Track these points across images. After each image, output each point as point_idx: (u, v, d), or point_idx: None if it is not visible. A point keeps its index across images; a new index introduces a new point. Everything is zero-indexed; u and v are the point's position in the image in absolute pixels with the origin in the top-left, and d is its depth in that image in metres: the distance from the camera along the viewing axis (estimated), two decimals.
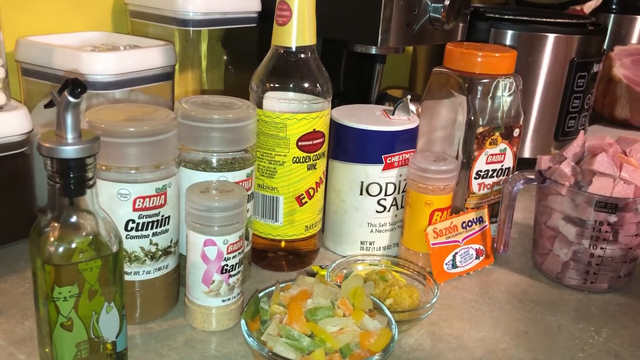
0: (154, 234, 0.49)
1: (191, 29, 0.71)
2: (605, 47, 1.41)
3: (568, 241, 0.59)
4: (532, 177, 0.60)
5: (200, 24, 0.71)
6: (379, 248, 0.64)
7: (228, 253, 0.48)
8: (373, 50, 0.77)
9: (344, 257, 0.61)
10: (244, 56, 0.79)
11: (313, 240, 0.62)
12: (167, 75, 0.69)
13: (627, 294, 0.61)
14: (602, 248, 0.57)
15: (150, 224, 0.48)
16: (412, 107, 0.75)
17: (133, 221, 0.48)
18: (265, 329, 0.42)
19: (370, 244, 0.64)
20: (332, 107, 0.67)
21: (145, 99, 0.69)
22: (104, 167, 0.46)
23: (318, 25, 0.72)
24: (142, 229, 0.48)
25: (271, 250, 0.61)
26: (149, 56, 0.66)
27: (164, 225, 0.49)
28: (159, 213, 0.48)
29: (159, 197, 0.48)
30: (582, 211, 0.57)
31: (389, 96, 0.81)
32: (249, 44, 0.78)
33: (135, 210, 0.47)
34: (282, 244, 0.60)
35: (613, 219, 0.56)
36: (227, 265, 0.49)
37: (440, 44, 0.74)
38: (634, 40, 1.41)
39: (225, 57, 0.79)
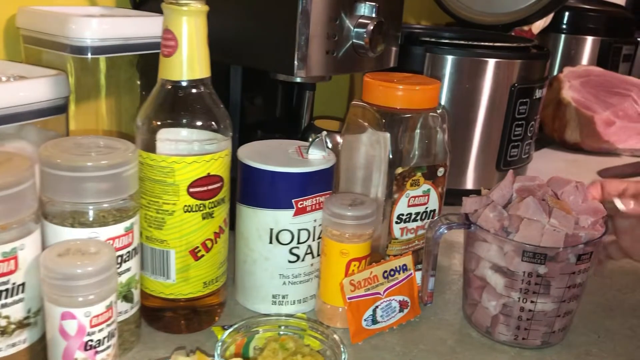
0: (4, 306, 0.41)
1: (88, 56, 0.64)
2: (556, 68, 1.39)
3: (497, 293, 0.53)
4: (456, 221, 0.54)
5: (98, 50, 0.64)
6: (294, 302, 0.58)
7: (92, 327, 0.41)
8: (297, 79, 0.71)
9: (252, 316, 0.54)
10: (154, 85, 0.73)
11: (217, 293, 0.55)
12: (58, 109, 0.62)
13: (564, 350, 0.55)
14: (532, 302, 0.52)
15: None
16: (339, 139, 0.69)
17: None
18: None
19: (284, 297, 0.57)
20: (261, 137, 0.61)
21: (37, 133, 0.61)
22: None
23: (234, 52, 0.66)
24: None
25: (167, 308, 0.54)
26: (36, 88, 0.59)
27: (17, 294, 0.42)
28: (8, 281, 0.41)
29: (7, 263, 0.41)
30: (510, 261, 0.51)
31: (315, 127, 0.75)
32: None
33: None
34: (180, 302, 0.53)
35: (543, 270, 0.50)
36: (91, 340, 0.41)
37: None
38: (584, 61, 1.39)
39: (138, 83, 0.72)
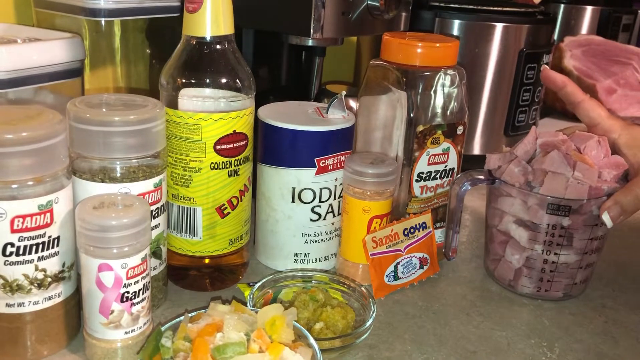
0: (40, 259, 0.41)
1: (102, 19, 0.64)
2: (555, 37, 1.39)
3: (520, 246, 0.54)
4: (481, 177, 0.55)
5: (113, 13, 0.64)
6: (315, 260, 0.58)
7: (128, 278, 0.41)
8: (309, 42, 0.71)
9: (277, 271, 0.55)
10: (168, 50, 0.72)
11: (240, 252, 0.56)
12: (74, 72, 0.61)
13: (582, 302, 0.56)
14: (556, 254, 0.53)
15: (34, 247, 0.41)
16: (353, 103, 0.69)
17: (12, 245, 0.40)
18: None
19: (305, 255, 0.58)
20: (271, 103, 0.61)
21: (53, 98, 0.61)
22: None
23: (248, 15, 0.66)
24: (24, 254, 0.41)
25: (192, 267, 0.54)
26: (51, 50, 0.58)
27: (52, 247, 0.42)
28: (44, 234, 0.41)
29: (43, 216, 0.41)
30: (534, 214, 0.52)
31: (327, 92, 0.75)
32: (173, 36, 0.71)
33: (14, 231, 0.40)
34: (206, 260, 0.54)
35: (567, 222, 0.51)
36: (127, 292, 0.42)
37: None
38: (583, 30, 1.39)
39: (148, 51, 0.72)
